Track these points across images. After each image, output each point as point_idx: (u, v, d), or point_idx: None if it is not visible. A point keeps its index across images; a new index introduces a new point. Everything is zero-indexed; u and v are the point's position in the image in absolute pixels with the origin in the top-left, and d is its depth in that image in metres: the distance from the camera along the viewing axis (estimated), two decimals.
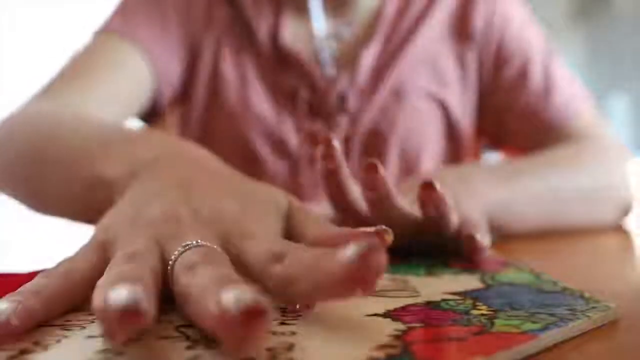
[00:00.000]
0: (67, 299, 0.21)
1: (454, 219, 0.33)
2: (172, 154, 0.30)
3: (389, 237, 0.23)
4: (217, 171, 0.29)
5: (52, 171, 0.39)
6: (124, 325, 0.15)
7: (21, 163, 0.43)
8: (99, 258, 0.22)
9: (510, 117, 0.60)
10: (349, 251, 0.17)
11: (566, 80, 0.60)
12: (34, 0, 2.70)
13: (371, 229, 0.23)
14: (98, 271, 0.21)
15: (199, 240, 0.21)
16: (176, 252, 0.21)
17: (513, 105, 0.60)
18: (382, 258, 0.17)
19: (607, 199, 0.51)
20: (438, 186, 0.30)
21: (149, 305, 0.16)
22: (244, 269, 0.21)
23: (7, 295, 0.19)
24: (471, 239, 0.32)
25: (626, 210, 0.52)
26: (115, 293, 0.16)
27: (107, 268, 0.20)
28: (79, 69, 0.54)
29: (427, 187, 0.30)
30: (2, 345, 0.17)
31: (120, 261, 0.20)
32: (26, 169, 0.43)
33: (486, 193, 0.41)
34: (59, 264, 0.22)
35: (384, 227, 0.23)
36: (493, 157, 0.97)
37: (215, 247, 0.21)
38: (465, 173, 0.43)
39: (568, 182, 0.49)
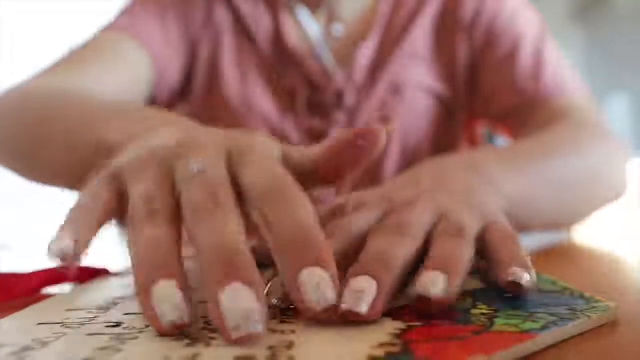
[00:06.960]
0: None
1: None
2: (172, 121, 0.31)
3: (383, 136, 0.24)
4: (215, 131, 0.29)
5: (55, 138, 0.39)
6: (171, 330, 0.18)
7: (23, 131, 0.44)
8: (112, 191, 0.24)
9: (499, 95, 0.59)
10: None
11: (557, 62, 0.59)
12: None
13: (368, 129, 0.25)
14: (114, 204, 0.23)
15: (204, 159, 0.23)
16: (183, 182, 0.22)
17: (501, 82, 0.59)
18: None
19: (607, 181, 0.50)
20: None
21: (188, 313, 0.18)
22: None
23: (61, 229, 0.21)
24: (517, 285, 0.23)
25: (622, 190, 0.51)
26: (162, 309, 0.18)
27: (130, 224, 0.21)
28: (79, 57, 0.54)
29: None
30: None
31: (141, 216, 0.21)
32: (28, 133, 0.43)
33: (503, 182, 0.37)
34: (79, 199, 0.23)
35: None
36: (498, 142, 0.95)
37: (220, 165, 0.23)
38: (475, 159, 0.39)
39: (574, 164, 0.46)
